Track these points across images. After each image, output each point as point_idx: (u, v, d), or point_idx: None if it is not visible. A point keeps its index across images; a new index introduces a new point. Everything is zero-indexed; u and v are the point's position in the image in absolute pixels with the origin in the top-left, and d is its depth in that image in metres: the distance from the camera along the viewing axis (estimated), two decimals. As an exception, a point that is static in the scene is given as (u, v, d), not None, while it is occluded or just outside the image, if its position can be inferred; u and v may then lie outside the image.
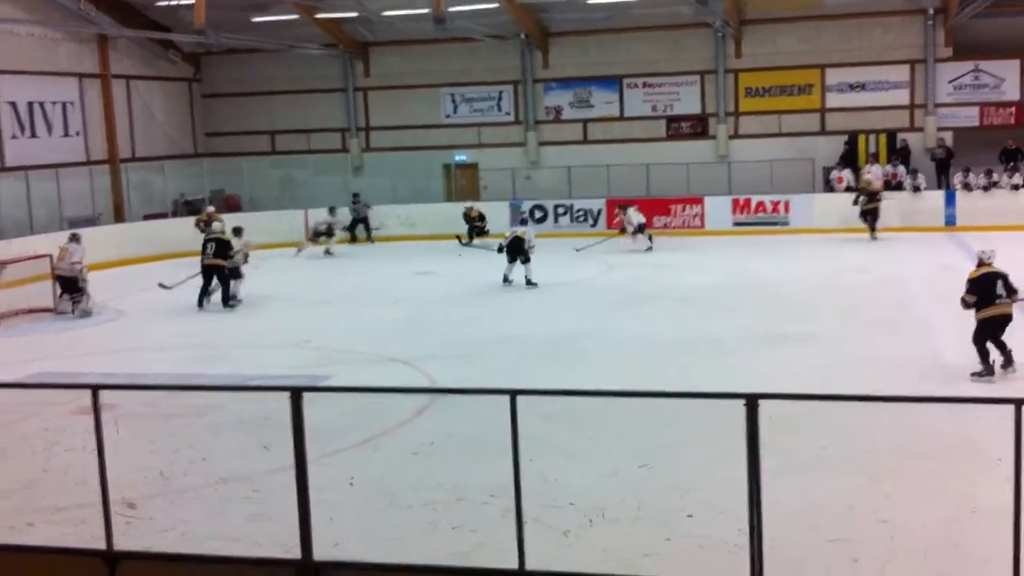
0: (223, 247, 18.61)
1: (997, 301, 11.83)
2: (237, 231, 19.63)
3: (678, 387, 10.21)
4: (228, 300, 18.59)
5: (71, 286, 18.38)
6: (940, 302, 16.79)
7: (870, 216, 24.59)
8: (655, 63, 29.04)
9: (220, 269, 18.61)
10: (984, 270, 12.10)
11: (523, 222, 22.70)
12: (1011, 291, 11.97)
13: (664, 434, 9.60)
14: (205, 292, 18.58)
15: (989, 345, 11.90)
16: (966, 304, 12.07)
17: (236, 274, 18.91)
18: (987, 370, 11.82)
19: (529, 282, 19.41)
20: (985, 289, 11.90)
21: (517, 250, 19.63)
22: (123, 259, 23.77)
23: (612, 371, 12.91)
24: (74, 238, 19.01)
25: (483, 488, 8.40)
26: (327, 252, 25.36)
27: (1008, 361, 11.89)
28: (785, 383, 10.78)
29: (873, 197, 24.62)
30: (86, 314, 18.20)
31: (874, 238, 24.30)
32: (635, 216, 24.30)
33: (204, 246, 18.89)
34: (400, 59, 30.73)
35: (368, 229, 28.06)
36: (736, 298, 17.89)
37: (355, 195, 28.38)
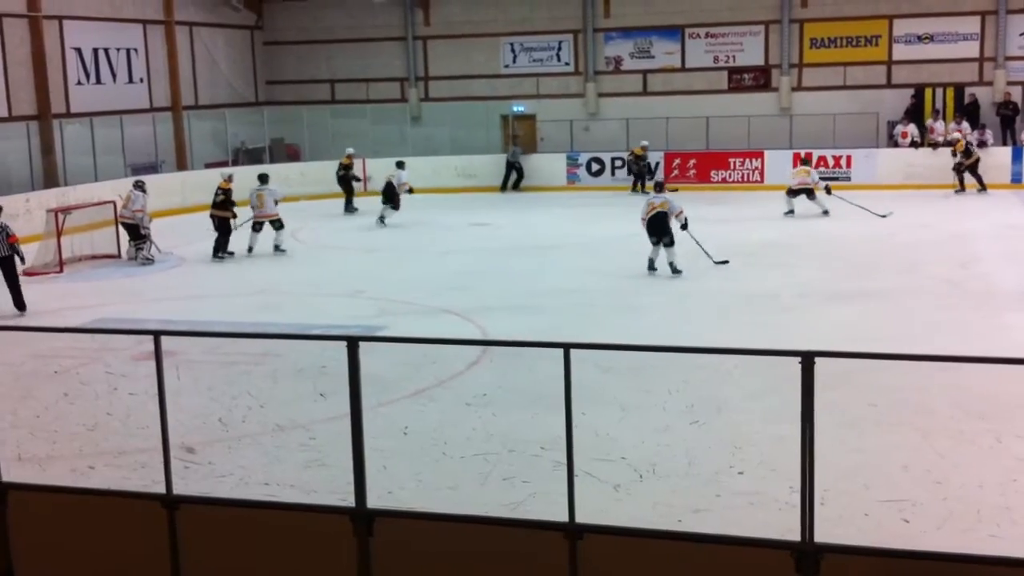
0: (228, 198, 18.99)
1: None
2: (261, 178, 19.94)
3: (736, 343, 10.15)
4: (218, 251, 18.81)
5: (134, 233, 18.67)
6: (1005, 261, 16.53)
7: (969, 170, 24.38)
8: (718, 12, 28.56)
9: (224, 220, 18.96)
10: None
11: (658, 187, 17.67)
12: None
13: (719, 390, 9.59)
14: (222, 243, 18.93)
15: None
16: None
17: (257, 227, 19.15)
18: None
19: (675, 269, 15.84)
20: None
21: (661, 229, 15.93)
22: (185, 207, 24.06)
23: (670, 325, 12.89)
24: (138, 185, 19.26)
25: (535, 440, 8.46)
26: (382, 218, 22.60)
27: None
28: (843, 340, 10.68)
29: (968, 154, 24.36)
30: (148, 261, 18.49)
31: (983, 190, 24.17)
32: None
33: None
34: (460, 7, 30.56)
35: (519, 176, 27.75)
36: (796, 254, 17.68)
37: (515, 137, 28.10)
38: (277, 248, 19.11)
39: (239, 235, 19.01)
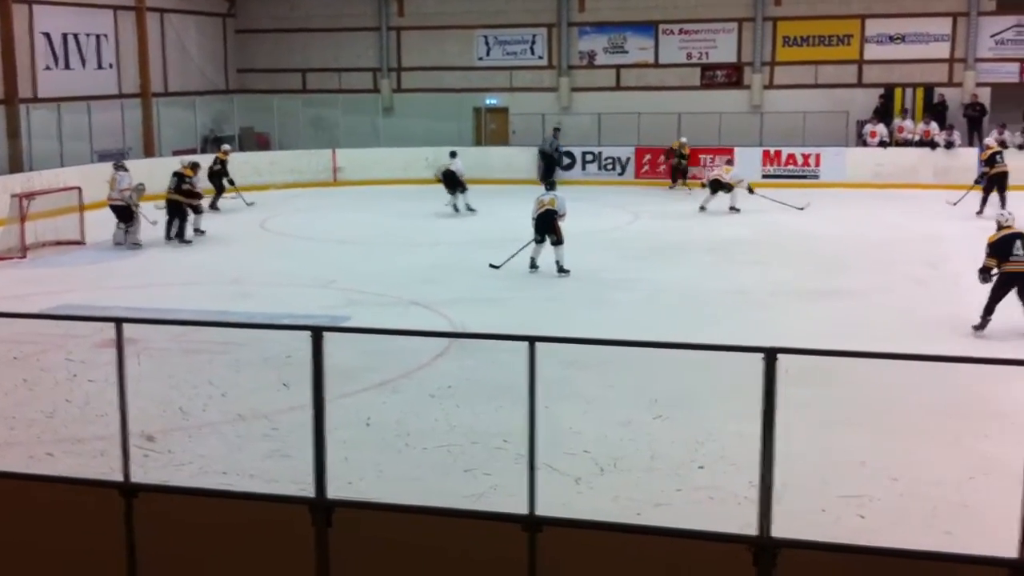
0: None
1: (1012, 258, 11.88)
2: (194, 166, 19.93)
3: (705, 338, 10.17)
4: (177, 235, 18.86)
5: (124, 215, 18.48)
6: (972, 261, 16.62)
7: (997, 184, 20.79)
8: (693, 9, 28.67)
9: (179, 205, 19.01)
10: (1004, 232, 12.14)
11: (549, 185, 17.37)
12: None
13: (683, 385, 9.62)
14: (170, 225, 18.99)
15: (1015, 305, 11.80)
16: (985, 272, 12.08)
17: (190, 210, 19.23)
18: (983, 325, 11.96)
19: (561, 268, 15.71)
20: (1003, 249, 11.96)
21: (548, 227, 15.92)
22: (153, 194, 23.82)
23: (639, 320, 12.91)
24: (119, 167, 19.17)
25: (498, 433, 8.46)
26: (457, 207, 22.47)
27: None
28: (811, 337, 10.74)
29: (993, 162, 21.02)
30: (137, 245, 18.34)
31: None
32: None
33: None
34: (435, -1, 30.53)
35: (552, 168, 27.18)
36: (766, 250, 17.80)
37: (556, 129, 27.77)
38: (196, 230, 19.50)
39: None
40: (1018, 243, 11.94)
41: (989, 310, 11.98)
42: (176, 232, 18.93)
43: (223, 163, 23.57)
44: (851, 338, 11.31)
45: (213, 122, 29.39)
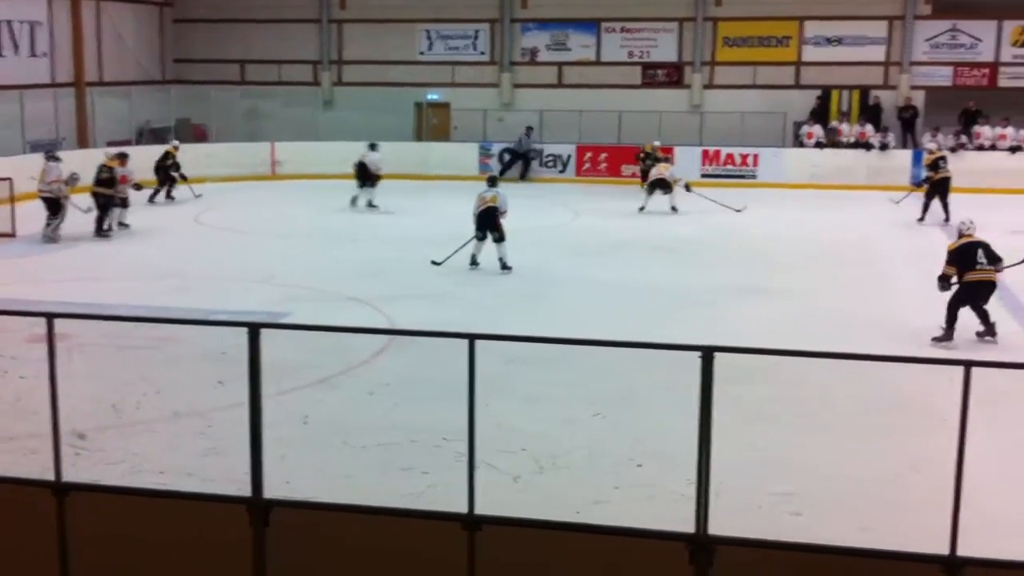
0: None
1: (977, 267, 11.58)
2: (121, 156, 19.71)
3: (644, 337, 10.20)
4: (96, 228, 18.57)
5: (54, 207, 18.10)
6: (904, 261, 17.02)
7: (939, 191, 20.21)
8: (635, 8, 28.82)
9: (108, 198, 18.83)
10: (964, 240, 11.85)
11: (491, 181, 16.67)
12: (993, 259, 11.69)
13: (623, 382, 9.67)
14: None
15: (970, 315, 11.61)
16: (944, 280, 11.72)
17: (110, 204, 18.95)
18: (947, 335, 11.59)
19: (504, 266, 15.65)
20: (965, 258, 11.64)
21: (490, 224, 15.81)
22: (87, 185, 23.38)
23: (580, 317, 12.94)
24: (51, 156, 18.78)
25: (437, 431, 8.43)
26: (355, 202, 22.25)
27: (990, 331, 11.62)
28: (747, 336, 10.84)
29: (936, 168, 20.43)
30: (51, 240, 17.96)
31: (947, 221, 19.25)
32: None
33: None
34: (377, -8, 30.35)
35: (527, 167, 27.46)
36: (705, 249, 17.97)
37: (529, 128, 27.74)
38: (121, 224, 19.22)
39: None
40: (980, 252, 11.64)
41: (951, 320, 11.58)
42: (95, 225, 18.55)
43: (173, 157, 23.48)
44: (786, 337, 11.42)
45: (149, 113, 28.91)
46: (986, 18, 26.98)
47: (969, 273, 11.61)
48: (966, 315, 11.75)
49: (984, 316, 11.66)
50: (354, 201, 22.14)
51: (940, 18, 27.21)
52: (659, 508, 7.00)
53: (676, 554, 5.15)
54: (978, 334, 11.70)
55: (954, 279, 11.70)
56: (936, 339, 11.63)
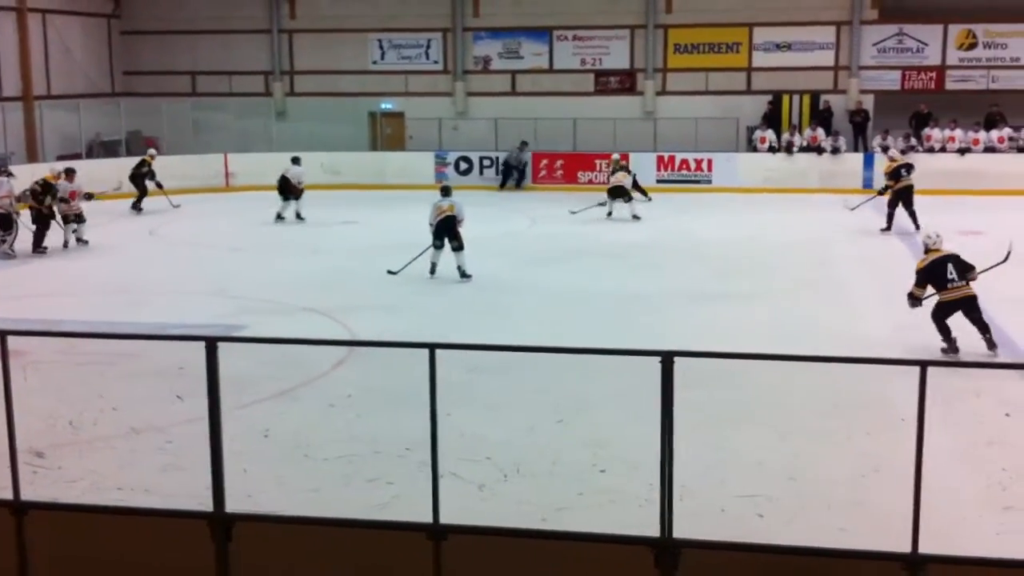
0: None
1: (950, 285, 11.05)
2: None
3: (603, 343, 10.29)
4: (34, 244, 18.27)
5: (7, 223, 17.81)
6: (857, 264, 17.21)
7: (903, 199, 19.69)
8: (586, 15, 28.94)
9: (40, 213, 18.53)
10: (931, 257, 11.28)
11: (445, 191, 16.61)
12: (965, 270, 11.10)
13: (584, 389, 9.70)
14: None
15: (968, 327, 11.08)
16: (915, 300, 11.23)
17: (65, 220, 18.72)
18: (950, 348, 11.00)
19: (463, 274, 15.68)
20: (934, 278, 11.14)
21: (449, 233, 15.77)
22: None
23: (541, 325, 12.97)
24: (2, 171, 18.47)
25: (400, 441, 8.41)
26: (282, 216, 21.97)
27: (989, 343, 10.94)
28: (705, 340, 10.93)
29: (898, 176, 19.88)
30: (7, 256, 17.67)
31: (917, 228, 18.50)
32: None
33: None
34: (328, 1, 30.18)
35: (521, 178, 27.47)
36: (660, 255, 18.05)
37: (523, 143, 27.53)
38: (79, 240, 19.00)
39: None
40: (950, 267, 11.06)
41: (942, 331, 11.04)
42: (33, 241, 18.20)
43: (149, 165, 23.44)
44: (742, 340, 11.53)
45: (99, 126, 28.56)
46: (932, 22, 27.39)
47: (942, 292, 11.12)
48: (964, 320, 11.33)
49: (983, 329, 11.04)
50: (279, 216, 21.90)
51: (887, 23, 27.59)
52: (624, 513, 7.01)
53: (641, 558, 5.18)
54: (987, 348, 10.97)
55: (927, 294, 11.21)
56: (944, 351, 11.02)
